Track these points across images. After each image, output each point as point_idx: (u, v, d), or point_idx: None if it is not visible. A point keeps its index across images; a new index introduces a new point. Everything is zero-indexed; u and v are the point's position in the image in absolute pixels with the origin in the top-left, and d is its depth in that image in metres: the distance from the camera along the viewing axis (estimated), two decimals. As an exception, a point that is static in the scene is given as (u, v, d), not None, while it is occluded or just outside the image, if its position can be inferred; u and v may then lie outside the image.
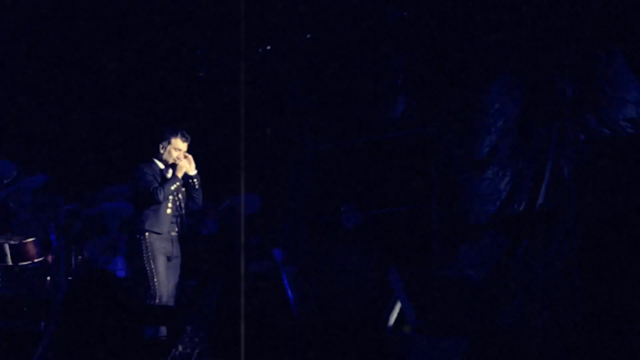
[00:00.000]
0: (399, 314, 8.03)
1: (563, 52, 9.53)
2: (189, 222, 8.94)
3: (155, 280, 8.31)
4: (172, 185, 8.49)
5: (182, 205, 8.64)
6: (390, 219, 10.98)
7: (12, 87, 12.39)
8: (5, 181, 10.74)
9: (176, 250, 8.58)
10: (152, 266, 8.37)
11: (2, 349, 6.20)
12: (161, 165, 8.65)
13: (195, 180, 8.67)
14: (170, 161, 8.61)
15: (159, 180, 8.52)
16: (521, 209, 9.77)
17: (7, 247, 10.04)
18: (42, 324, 8.01)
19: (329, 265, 10.55)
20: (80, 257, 10.76)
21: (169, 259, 8.51)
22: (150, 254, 8.39)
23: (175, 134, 8.62)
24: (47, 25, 12.43)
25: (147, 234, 8.42)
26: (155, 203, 8.43)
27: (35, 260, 10.13)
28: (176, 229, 8.59)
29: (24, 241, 10.08)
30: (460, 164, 10.34)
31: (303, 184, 11.44)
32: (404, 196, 10.88)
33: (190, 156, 8.64)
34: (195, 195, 8.72)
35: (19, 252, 10.06)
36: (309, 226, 11.26)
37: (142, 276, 8.41)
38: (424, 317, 7.59)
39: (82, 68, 12.61)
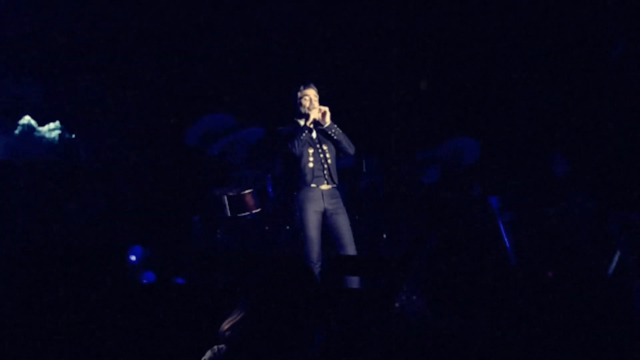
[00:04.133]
0: (619, 262, 7.83)
1: None
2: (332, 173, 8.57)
3: (303, 235, 8.29)
4: (301, 134, 8.44)
5: (328, 157, 8.53)
6: (609, 164, 10.71)
7: (233, 45, 12.63)
8: (222, 132, 10.96)
9: (331, 205, 8.47)
10: (301, 222, 8.34)
11: (227, 302, 6.34)
12: (302, 122, 8.61)
13: (332, 131, 8.54)
14: (304, 111, 8.58)
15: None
16: None
17: (225, 198, 10.28)
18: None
19: (546, 212, 10.39)
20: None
21: (324, 214, 8.42)
22: (298, 209, 8.40)
23: (298, 87, 8.62)
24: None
25: (295, 191, 8.45)
26: (293, 157, 8.43)
27: (254, 211, 10.33)
28: (325, 182, 8.49)
29: (242, 192, 10.29)
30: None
31: (519, 129, 11.28)
32: (622, 141, 10.60)
33: (324, 108, 8.56)
34: (341, 147, 8.61)
35: (237, 204, 10.28)
36: (525, 173, 11.13)
37: (296, 232, 8.49)
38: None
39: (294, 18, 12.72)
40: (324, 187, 8.49)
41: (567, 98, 11.26)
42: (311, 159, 8.48)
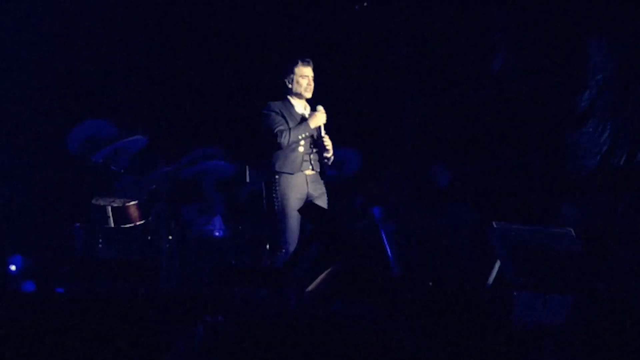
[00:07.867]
0: (498, 272, 7.95)
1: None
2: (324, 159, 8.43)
3: (283, 223, 8.07)
4: (301, 133, 8.14)
5: (316, 141, 8.32)
6: (489, 175, 10.90)
7: (111, 47, 12.46)
8: (103, 141, 10.77)
9: (315, 190, 8.27)
10: (283, 210, 8.10)
11: (103, 312, 6.24)
12: (294, 102, 8.33)
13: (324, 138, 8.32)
14: (300, 91, 8.23)
15: (287, 120, 8.23)
16: (622, 163, 9.64)
17: (109, 209, 10.13)
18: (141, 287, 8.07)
19: (427, 223, 10.50)
20: (177, 219, 10.72)
21: (306, 200, 8.18)
22: (279, 197, 8.13)
23: (295, 62, 8.21)
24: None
25: (277, 176, 8.17)
26: (279, 144, 8.13)
27: (137, 223, 10.20)
28: (310, 167, 8.27)
29: (127, 204, 10.15)
30: (559, 118, 10.24)
31: (402, 140, 11.35)
32: (502, 152, 10.79)
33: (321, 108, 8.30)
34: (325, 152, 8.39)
35: (121, 215, 10.13)
36: (407, 184, 11.22)
37: (272, 221, 8.20)
38: (525, 275, 7.48)
39: (178, 25, 12.60)
40: (309, 172, 8.25)
41: (448, 109, 11.41)
42: (302, 143, 8.22)
